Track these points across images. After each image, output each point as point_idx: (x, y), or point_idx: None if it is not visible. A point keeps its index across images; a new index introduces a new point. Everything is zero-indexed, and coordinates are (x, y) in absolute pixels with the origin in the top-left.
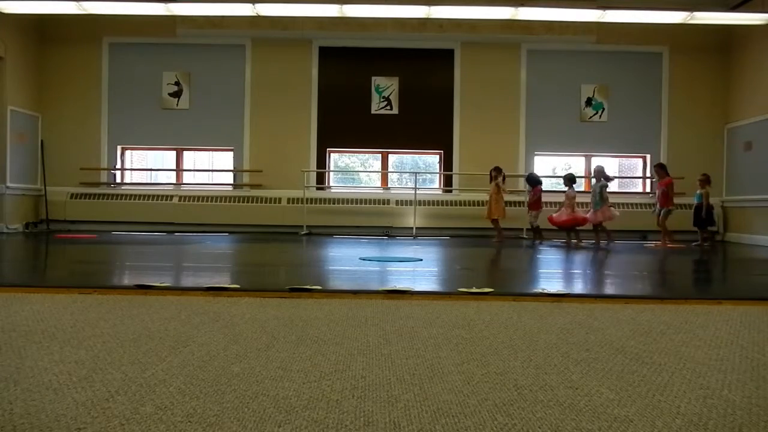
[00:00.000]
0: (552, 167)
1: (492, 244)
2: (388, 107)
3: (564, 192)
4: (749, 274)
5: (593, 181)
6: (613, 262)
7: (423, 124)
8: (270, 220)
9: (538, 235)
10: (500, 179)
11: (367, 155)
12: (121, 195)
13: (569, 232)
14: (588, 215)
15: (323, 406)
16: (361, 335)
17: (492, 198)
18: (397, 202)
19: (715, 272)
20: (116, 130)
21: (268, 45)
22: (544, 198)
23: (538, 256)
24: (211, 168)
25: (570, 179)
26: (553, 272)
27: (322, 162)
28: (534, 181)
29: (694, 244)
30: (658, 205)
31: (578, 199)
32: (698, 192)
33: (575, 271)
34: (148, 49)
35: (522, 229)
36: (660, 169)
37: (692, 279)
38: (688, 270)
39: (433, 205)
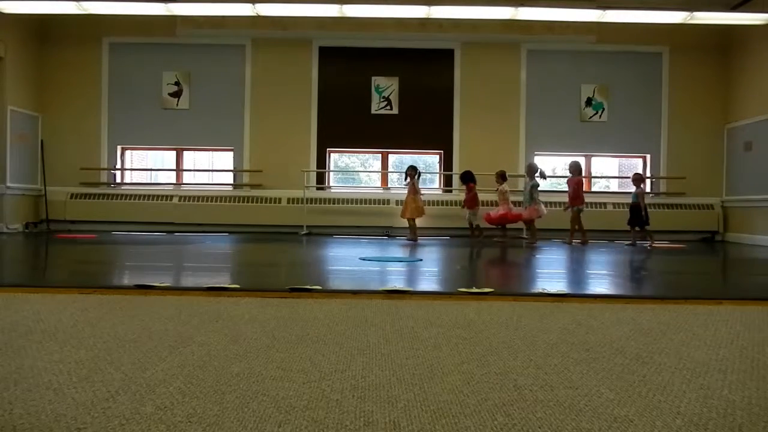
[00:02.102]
0: (552, 167)
1: (407, 242)
2: (388, 107)
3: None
4: (749, 274)
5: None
6: (545, 259)
7: (423, 124)
8: (270, 220)
9: (478, 232)
10: (416, 179)
11: (367, 155)
12: (121, 195)
13: (503, 228)
14: (522, 213)
15: (323, 406)
16: (361, 335)
17: (408, 197)
18: (397, 202)
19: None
20: (116, 130)
21: (268, 45)
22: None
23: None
24: (211, 168)
25: (501, 175)
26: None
27: (322, 162)
28: (467, 179)
29: (627, 243)
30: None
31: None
32: (634, 191)
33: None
34: (148, 49)
35: (522, 230)
36: (572, 168)
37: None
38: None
39: (433, 205)
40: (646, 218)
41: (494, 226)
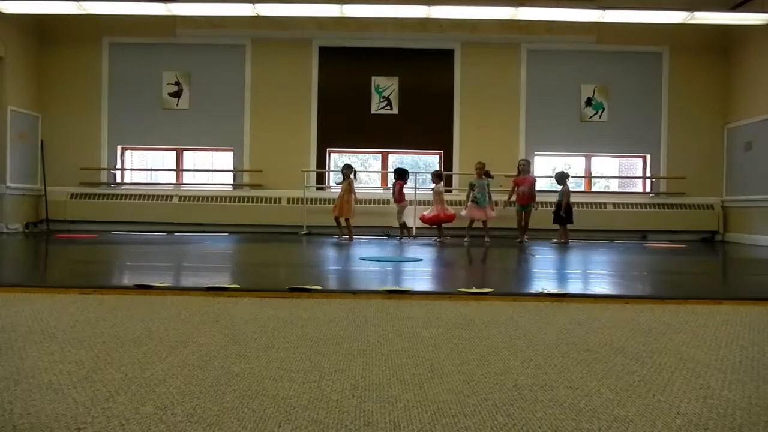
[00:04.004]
0: (552, 167)
1: (342, 242)
2: (388, 107)
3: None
4: (749, 274)
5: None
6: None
7: (423, 124)
8: (270, 220)
9: (404, 231)
10: (352, 178)
11: (367, 155)
12: (121, 195)
13: (439, 228)
14: (474, 212)
15: (323, 406)
16: (361, 335)
17: (343, 197)
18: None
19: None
20: (116, 130)
21: (268, 45)
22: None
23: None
24: (211, 168)
25: (437, 175)
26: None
27: (322, 162)
28: (399, 176)
29: (554, 241)
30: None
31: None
32: (561, 189)
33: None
34: (148, 49)
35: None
36: (527, 166)
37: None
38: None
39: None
40: (568, 217)
41: (430, 225)
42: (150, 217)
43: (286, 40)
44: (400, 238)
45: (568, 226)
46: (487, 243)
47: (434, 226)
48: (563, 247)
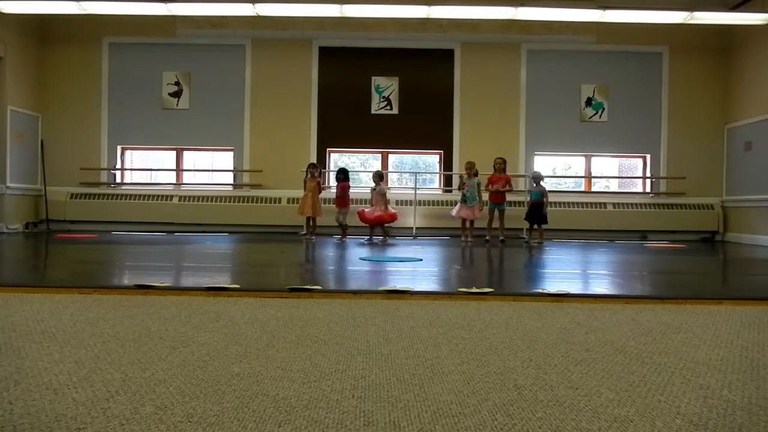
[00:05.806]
0: (552, 167)
1: (306, 240)
2: (388, 107)
3: (373, 188)
4: (749, 274)
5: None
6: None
7: (423, 124)
8: (270, 220)
9: (344, 232)
10: (319, 177)
11: (367, 155)
12: (121, 195)
13: (381, 228)
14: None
15: (323, 406)
16: (361, 335)
17: (312, 197)
18: (397, 202)
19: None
20: (116, 130)
21: (268, 45)
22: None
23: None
24: (211, 168)
25: (379, 175)
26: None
27: (322, 162)
28: (341, 178)
29: (533, 241)
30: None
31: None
32: (537, 190)
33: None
34: (148, 49)
35: (522, 229)
36: (504, 165)
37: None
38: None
39: (433, 205)
40: (543, 216)
41: (370, 226)
42: (150, 217)
43: (286, 40)
44: (342, 239)
45: (543, 226)
46: (463, 243)
47: (371, 226)
48: (539, 246)
